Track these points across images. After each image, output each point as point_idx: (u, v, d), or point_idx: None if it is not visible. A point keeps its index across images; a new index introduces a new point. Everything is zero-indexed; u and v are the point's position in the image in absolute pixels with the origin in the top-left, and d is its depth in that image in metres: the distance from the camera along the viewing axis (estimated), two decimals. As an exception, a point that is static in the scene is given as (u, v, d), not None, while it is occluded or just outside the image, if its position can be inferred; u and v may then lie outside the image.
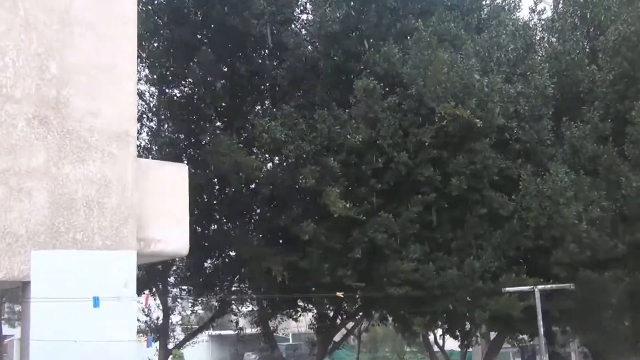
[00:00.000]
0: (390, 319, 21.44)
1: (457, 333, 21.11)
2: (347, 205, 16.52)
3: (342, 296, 15.28)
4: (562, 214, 15.76)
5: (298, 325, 36.02)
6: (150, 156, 19.94)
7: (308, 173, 16.74)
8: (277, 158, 19.37)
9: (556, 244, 16.34)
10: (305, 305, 23.12)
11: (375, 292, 17.81)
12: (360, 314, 21.90)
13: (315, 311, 23.53)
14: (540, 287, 14.34)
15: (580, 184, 16.29)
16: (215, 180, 19.41)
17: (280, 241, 18.27)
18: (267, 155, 19.38)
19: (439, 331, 24.38)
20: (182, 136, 20.44)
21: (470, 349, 28.54)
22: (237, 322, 25.32)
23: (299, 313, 23.36)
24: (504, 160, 17.36)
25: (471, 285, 16.66)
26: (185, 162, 18.09)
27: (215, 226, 21.50)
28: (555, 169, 16.29)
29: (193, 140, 20.31)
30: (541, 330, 13.63)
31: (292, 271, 17.96)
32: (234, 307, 24.15)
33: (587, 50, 19.40)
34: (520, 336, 20.65)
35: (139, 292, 12.48)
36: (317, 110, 17.38)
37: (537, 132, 17.60)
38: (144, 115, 20.95)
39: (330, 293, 17.16)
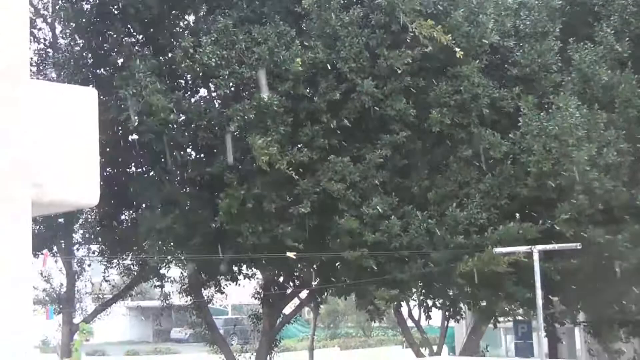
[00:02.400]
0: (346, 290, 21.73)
1: (436, 304, 21.54)
2: (280, 155, 16.45)
3: (293, 257, 15.46)
4: (570, 157, 15.96)
5: (239, 295, 36.32)
6: (46, 78, 19.70)
7: (233, 113, 16.73)
8: (209, 86, 19.30)
9: (562, 195, 16.61)
10: (248, 270, 23.33)
11: (326, 256, 18.10)
12: (317, 280, 22.15)
13: (260, 277, 23.79)
14: (540, 247, 14.59)
15: (593, 121, 16.44)
16: (133, 114, 19.30)
17: (215, 193, 18.27)
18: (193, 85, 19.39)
19: (413, 303, 24.90)
20: (89, 55, 20.18)
21: (453, 324, 29.22)
22: (161, 291, 25.40)
23: (237, 280, 23.53)
24: (498, 89, 17.49)
25: (451, 242, 16.88)
26: (94, 87, 17.88)
27: (133, 170, 21.42)
28: (564, 101, 16.42)
29: (105, 61, 20.07)
30: (539, 299, 13.95)
31: (226, 228, 18.11)
32: (158, 271, 24.20)
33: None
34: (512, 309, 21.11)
35: (35, 251, 12.46)
36: (256, 27, 17.26)
37: (539, 54, 17.71)
38: (38, 25, 20.62)
39: (271, 256, 17.40)
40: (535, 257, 13.89)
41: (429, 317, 21.49)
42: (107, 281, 26.28)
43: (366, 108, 17.25)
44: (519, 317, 23.77)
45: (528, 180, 16.75)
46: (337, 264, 18.32)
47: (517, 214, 17.19)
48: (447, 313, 23.31)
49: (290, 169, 16.56)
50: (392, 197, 17.34)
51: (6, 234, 8.24)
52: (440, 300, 20.70)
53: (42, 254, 14.69)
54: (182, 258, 21.34)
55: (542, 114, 16.69)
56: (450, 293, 18.99)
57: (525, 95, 17.23)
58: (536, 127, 16.43)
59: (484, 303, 19.60)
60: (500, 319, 20.77)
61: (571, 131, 15.98)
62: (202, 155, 19.97)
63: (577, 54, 17.40)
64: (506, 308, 19.82)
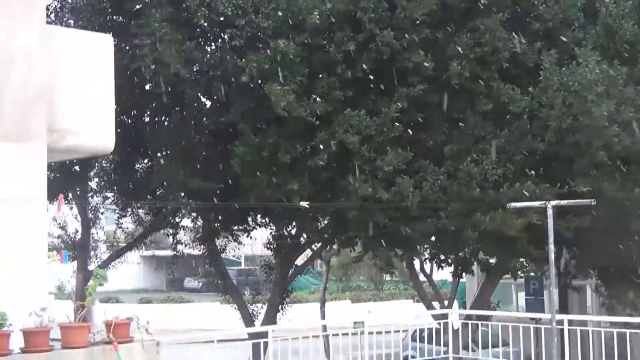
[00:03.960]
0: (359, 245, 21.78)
1: (447, 260, 21.58)
2: (296, 103, 16.38)
3: (306, 206, 15.46)
4: (590, 113, 15.87)
5: (252, 247, 36.54)
6: (63, 24, 19.59)
7: (248, 63, 16.61)
8: (224, 37, 19.15)
9: (580, 151, 16.52)
10: (262, 220, 23.40)
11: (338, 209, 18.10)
12: (329, 232, 22.19)
13: (273, 228, 23.86)
14: (554, 202, 14.52)
15: (613, 77, 16.26)
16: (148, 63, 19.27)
17: (230, 143, 18.22)
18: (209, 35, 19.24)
19: (425, 257, 24.91)
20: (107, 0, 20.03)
21: (464, 279, 29.29)
22: (174, 240, 25.56)
23: (250, 230, 23.59)
24: (519, 43, 17.30)
25: (466, 196, 16.84)
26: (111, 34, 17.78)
27: (148, 119, 21.41)
28: (585, 56, 16.24)
29: (121, 8, 19.92)
30: (552, 254, 13.92)
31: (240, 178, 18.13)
32: (171, 220, 24.31)
33: None
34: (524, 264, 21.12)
35: (51, 198, 12.49)
36: None
37: (563, 9, 17.49)
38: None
39: (281, 209, 17.41)
40: (550, 212, 13.78)
41: (440, 268, 21.48)
42: (121, 228, 26.44)
43: (383, 60, 17.10)
44: (531, 274, 23.75)
45: (546, 135, 16.65)
46: (349, 218, 18.28)
47: (533, 171, 17.13)
48: (458, 269, 23.33)
49: (307, 115, 16.50)
50: (407, 151, 17.26)
51: (22, 179, 8.15)
52: (452, 256, 20.73)
53: (56, 200, 14.70)
54: (196, 207, 21.38)
55: (563, 69, 16.52)
56: (462, 250, 18.97)
57: (547, 50, 17.06)
58: (557, 82, 16.30)
59: (495, 260, 19.64)
60: (507, 275, 20.72)
61: (591, 87, 15.83)
62: (217, 105, 19.89)
63: (602, 7, 17.15)
64: (517, 265, 19.79)
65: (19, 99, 9.21)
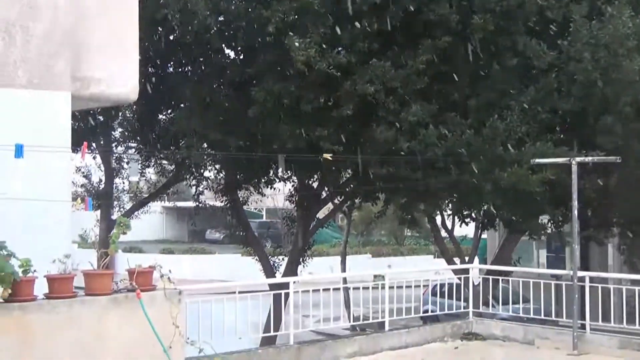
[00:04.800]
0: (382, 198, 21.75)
1: (470, 215, 21.53)
2: (319, 56, 16.24)
3: (329, 158, 15.40)
4: (620, 67, 15.63)
5: (274, 199, 36.67)
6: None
7: (273, 14, 16.45)
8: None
9: (607, 107, 16.34)
10: (284, 173, 23.42)
11: (363, 165, 18.03)
12: (351, 186, 22.20)
13: (295, 180, 23.89)
14: (578, 159, 14.39)
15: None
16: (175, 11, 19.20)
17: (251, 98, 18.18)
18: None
19: (447, 213, 24.90)
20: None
21: (485, 235, 29.31)
22: (196, 191, 25.66)
23: (273, 182, 23.60)
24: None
25: (489, 153, 16.73)
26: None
27: (172, 69, 21.36)
28: (618, 9, 15.92)
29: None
30: (575, 211, 13.83)
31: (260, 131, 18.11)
32: (194, 171, 24.39)
33: None
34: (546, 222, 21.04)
35: (75, 148, 12.53)
36: None
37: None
38: None
39: (307, 156, 17.36)
40: (574, 169, 13.68)
41: (464, 223, 21.43)
42: (144, 178, 26.55)
43: (409, 12, 16.92)
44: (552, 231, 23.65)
45: (572, 89, 16.47)
46: (371, 172, 18.24)
47: (558, 128, 16.98)
48: (480, 225, 23.30)
49: (330, 68, 16.38)
50: (433, 103, 17.15)
51: (47, 125, 8.16)
52: (475, 211, 20.68)
53: (80, 149, 14.74)
54: (218, 158, 21.39)
55: (593, 22, 16.29)
56: (484, 205, 18.90)
57: (575, 4, 16.80)
58: (586, 35, 16.09)
59: (516, 218, 19.57)
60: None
61: (622, 41, 15.61)
62: (241, 56, 19.79)
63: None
64: (537, 225, 19.71)
65: (44, 45, 9.21)
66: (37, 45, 9.12)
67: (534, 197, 16.89)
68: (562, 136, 16.94)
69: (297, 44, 16.02)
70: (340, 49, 17.03)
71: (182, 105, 21.12)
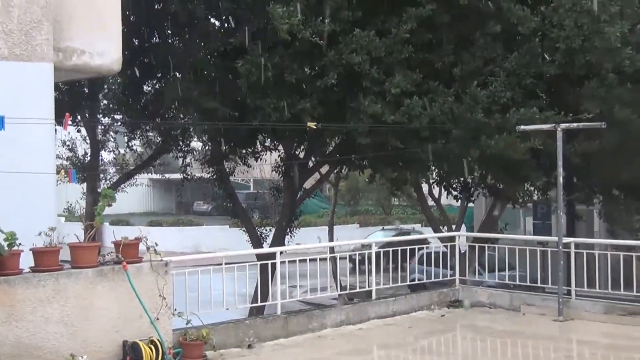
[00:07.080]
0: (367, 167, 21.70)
1: (454, 184, 21.53)
2: (302, 25, 16.14)
3: (314, 127, 15.31)
4: (602, 34, 15.59)
5: (262, 170, 36.61)
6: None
7: None
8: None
9: (590, 73, 16.31)
10: (270, 144, 23.36)
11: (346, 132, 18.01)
12: (337, 155, 22.15)
13: (281, 151, 23.83)
14: (564, 125, 14.38)
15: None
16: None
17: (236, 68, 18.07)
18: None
19: (433, 181, 24.90)
20: None
21: (472, 204, 29.35)
22: (183, 162, 25.59)
23: (259, 152, 23.54)
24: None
25: (472, 120, 16.68)
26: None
27: (158, 39, 21.21)
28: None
29: None
30: (560, 178, 13.84)
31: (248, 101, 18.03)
32: (180, 143, 24.30)
33: None
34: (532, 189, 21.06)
35: (59, 120, 12.45)
36: None
37: None
38: None
39: (293, 126, 17.32)
40: (559, 135, 13.66)
41: (449, 193, 21.49)
42: (131, 149, 26.42)
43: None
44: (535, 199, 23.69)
45: (556, 56, 16.42)
46: (356, 142, 18.19)
47: (543, 95, 16.93)
48: (465, 192, 23.32)
49: (313, 36, 16.29)
50: (417, 73, 17.06)
51: (29, 98, 8.10)
52: (460, 180, 20.69)
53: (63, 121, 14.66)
54: (205, 128, 21.29)
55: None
56: (469, 173, 18.91)
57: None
58: (569, 2, 16.01)
59: (501, 186, 19.59)
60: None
61: (604, 6, 15.55)
62: (226, 25, 19.68)
63: None
64: (521, 192, 19.76)
65: (25, 16, 9.11)
66: (18, 16, 9.03)
67: (520, 164, 16.92)
68: (546, 100, 16.87)
69: (280, 12, 15.93)
70: (323, 18, 16.91)
71: (168, 76, 20.99)
